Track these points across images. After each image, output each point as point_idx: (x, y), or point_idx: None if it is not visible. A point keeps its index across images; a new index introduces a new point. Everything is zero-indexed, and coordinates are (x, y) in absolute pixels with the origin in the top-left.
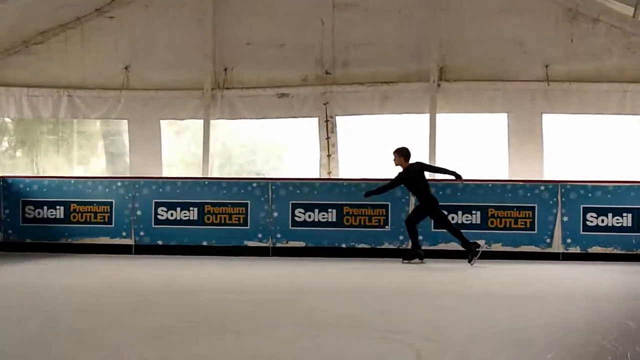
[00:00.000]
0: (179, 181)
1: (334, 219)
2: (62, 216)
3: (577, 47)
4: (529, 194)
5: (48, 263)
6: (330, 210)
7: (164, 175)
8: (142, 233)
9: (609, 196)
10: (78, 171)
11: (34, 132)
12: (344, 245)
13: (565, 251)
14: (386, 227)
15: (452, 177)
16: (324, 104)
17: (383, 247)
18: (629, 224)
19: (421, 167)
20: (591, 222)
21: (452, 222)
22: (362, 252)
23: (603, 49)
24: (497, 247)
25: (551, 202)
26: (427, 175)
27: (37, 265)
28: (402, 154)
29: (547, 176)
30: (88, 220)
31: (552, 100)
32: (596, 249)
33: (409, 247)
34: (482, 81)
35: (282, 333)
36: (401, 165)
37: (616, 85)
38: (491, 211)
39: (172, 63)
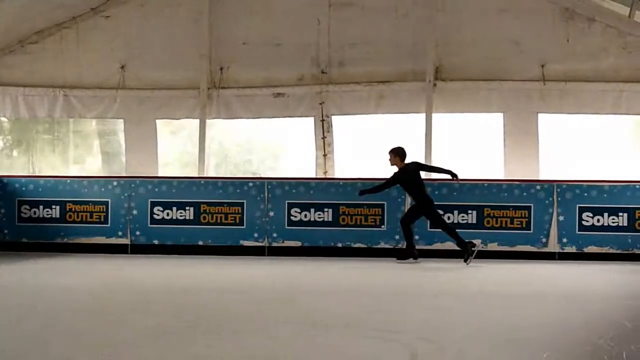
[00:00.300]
0: (175, 181)
1: (330, 219)
2: (58, 216)
3: (573, 47)
4: (524, 194)
5: (44, 263)
6: (326, 209)
7: (159, 174)
8: (138, 232)
9: (605, 196)
10: (74, 171)
11: (29, 131)
12: (340, 245)
13: (561, 251)
14: (382, 226)
15: (448, 176)
16: (320, 104)
17: (379, 246)
18: (625, 224)
19: (417, 166)
20: (587, 221)
21: (448, 221)
22: (358, 252)
23: (599, 48)
24: (493, 246)
25: (547, 201)
26: (424, 174)
27: (33, 265)
28: (397, 153)
29: (543, 176)
30: (84, 219)
31: (548, 99)
32: (592, 249)
33: (405, 246)
34: (478, 81)
35: (280, 333)
36: (397, 165)
37: (612, 85)
38: (487, 211)
39: (168, 62)
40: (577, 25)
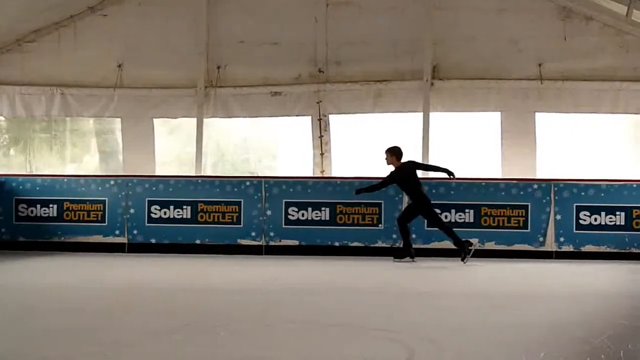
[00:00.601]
0: (172, 180)
1: (327, 218)
2: (55, 214)
3: (570, 46)
4: (522, 193)
5: (41, 261)
6: (323, 208)
7: (157, 173)
8: (135, 231)
9: (602, 195)
10: (71, 169)
11: (27, 130)
12: (337, 244)
13: (558, 250)
14: (380, 225)
15: (445, 175)
16: (317, 102)
17: (376, 245)
18: (622, 223)
19: (413, 165)
20: (584, 220)
21: (445, 220)
22: (355, 251)
23: (596, 47)
24: (490, 245)
25: (544, 200)
26: (421, 173)
27: (30, 264)
28: (394, 153)
29: (541, 175)
30: (81, 218)
31: (545, 98)
32: (589, 248)
33: (402, 245)
34: (476, 80)
35: (278, 332)
36: (393, 165)
37: (609, 84)
38: (484, 210)
39: (165, 61)
40: (575, 24)
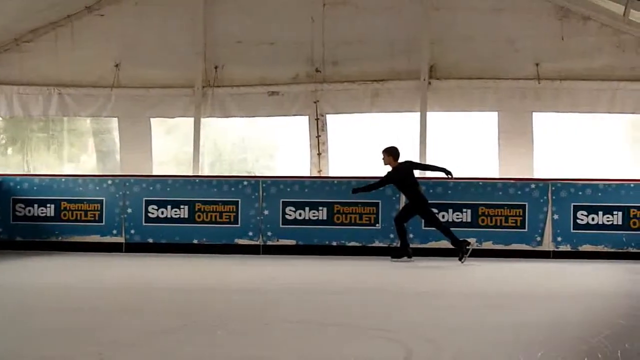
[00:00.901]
0: (170, 179)
1: (325, 217)
2: (52, 214)
3: (567, 46)
4: (519, 192)
5: (39, 261)
6: (320, 208)
7: (154, 173)
8: (132, 231)
9: (599, 194)
10: (68, 169)
11: (24, 130)
12: (334, 244)
13: (555, 249)
14: (377, 225)
15: (442, 174)
16: (315, 102)
17: (374, 245)
18: (619, 222)
19: (410, 165)
20: (581, 220)
21: (443, 220)
22: (352, 250)
23: (594, 47)
24: (487, 245)
25: (542, 200)
26: (419, 173)
27: (28, 264)
28: (390, 153)
29: (538, 174)
30: (79, 218)
31: (542, 98)
32: (586, 247)
33: (399, 245)
34: (473, 79)
35: (275, 332)
36: (390, 165)
37: (607, 84)
38: (482, 209)
39: (163, 61)
40: (572, 23)
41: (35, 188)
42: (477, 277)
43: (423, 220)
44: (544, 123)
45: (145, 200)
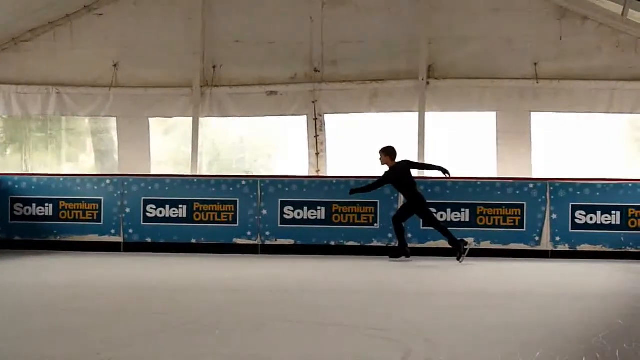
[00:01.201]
0: (168, 179)
1: (323, 217)
2: (50, 214)
3: (566, 45)
4: (517, 192)
5: (37, 261)
6: (319, 208)
7: (152, 173)
8: (131, 230)
9: (598, 194)
10: (67, 169)
11: (23, 129)
12: (333, 243)
13: (554, 249)
14: (375, 224)
15: (440, 173)
16: (313, 102)
17: (372, 244)
18: (618, 222)
19: (408, 165)
20: (580, 220)
21: (441, 220)
22: (351, 250)
23: (592, 47)
24: (486, 244)
25: (540, 200)
26: (417, 172)
27: (26, 263)
28: (388, 153)
29: (536, 174)
30: (77, 217)
31: (541, 98)
32: (585, 247)
33: (397, 245)
34: (471, 79)
35: (273, 332)
36: (387, 164)
37: (605, 84)
38: (480, 209)
39: (161, 61)
40: (570, 23)
41: (33, 187)
42: (476, 276)
43: (421, 220)
44: (543, 123)
45: (144, 199)
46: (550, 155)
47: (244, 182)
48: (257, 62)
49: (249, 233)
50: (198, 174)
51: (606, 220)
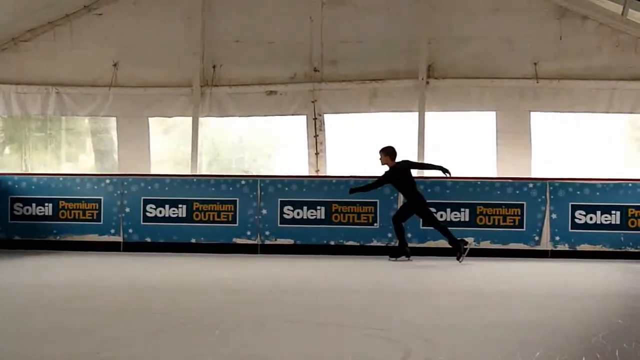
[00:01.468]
0: (168, 178)
1: (323, 217)
2: (50, 213)
3: (566, 45)
4: (517, 192)
5: (36, 260)
6: (319, 207)
7: (152, 172)
8: (130, 230)
9: (597, 194)
10: (66, 168)
11: (22, 129)
12: (332, 243)
13: (553, 249)
14: (375, 224)
15: (440, 172)
16: (313, 102)
17: (372, 244)
18: (617, 222)
19: (408, 165)
20: (580, 219)
21: (441, 219)
22: (350, 250)
23: (592, 46)
24: (485, 244)
25: (540, 199)
26: (416, 172)
27: (26, 263)
28: (387, 152)
29: (536, 174)
30: (76, 217)
31: (540, 98)
32: (584, 247)
33: (397, 245)
34: (471, 79)
35: (272, 331)
36: (387, 164)
37: (605, 83)
38: (480, 209)
39: (161, 60)
40: (570, 23)
41: (33, 187)
42: (475, 276)
43: (421, 220)
44: (542, 122)
45: (144, 199)
46: (550, 155)
47: (243, 182)
48: (257, 62)
49: (248, 233)
50: (198, 173)
51: (606, 220)
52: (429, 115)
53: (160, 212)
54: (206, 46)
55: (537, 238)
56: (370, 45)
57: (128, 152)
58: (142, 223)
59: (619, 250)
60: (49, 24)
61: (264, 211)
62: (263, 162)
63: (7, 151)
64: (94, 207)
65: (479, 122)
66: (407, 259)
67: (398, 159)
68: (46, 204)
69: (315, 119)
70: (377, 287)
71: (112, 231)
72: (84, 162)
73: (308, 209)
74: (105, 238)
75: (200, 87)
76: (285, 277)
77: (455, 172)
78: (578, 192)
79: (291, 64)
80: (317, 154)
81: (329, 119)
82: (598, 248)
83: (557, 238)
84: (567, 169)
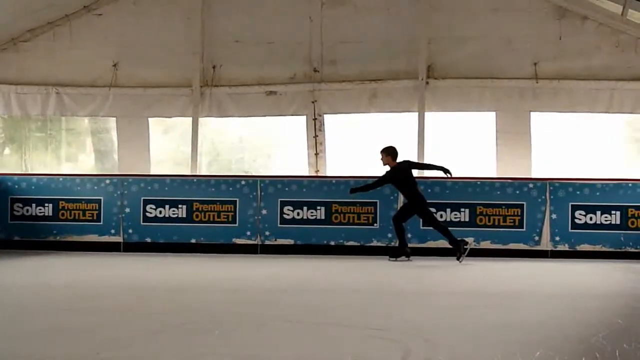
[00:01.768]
0: (168, 179)
1: (323, 217)
2: (50, 214)
3: (565, 45)
4: (517, 192)
5: (36, 261)
6: (319, 207)
7: (152, 172)
8: (130, 230)
9: (597, 194)
10: (66, 169)
11: (22, 129)
12: (332, 243)
13: (553, 249)
14: (375, 224)
15: (442, 173)
16: (312, 102)
17: (372, 244)
18: (617, 222)
19: (409, 165)
20: (579, 219)
21: (441, 220)
22: (350, 250)
23: (592, 46)
24: (485, 244)
25: (540, 199)
26: (416, 172)
27: (26, 263)
28: (389, 153)
29: (536, 174)
30: (76, 217)
31: (540, 98)
32: (584, 247)
33: (397, 245)
34: (471, 79)
35: (272, 331)
36: (389, 164)
37: (604, 83)
38: (480, 209)
39: (161, 60)
40: (570, 23)
41: (33, 187)
42: (475, 276)
43: (421, 220)
44: (542, 123)
45: (144, 199)
46: (549, 155)
47: (243, 182)
48: (257, 62)
49: (248, 233)
50: (197, 173)
51: (606, 220)
52: (429, 116)
53: (160, 212)
54: (206, 46)
55: (537, 238)
56: (370, 46)
57: (128, 152)
58: (142, 223)
59: (619, 250)
60: (48, 24)
61: (264, 211)
62: (263, 162)
63: (7, 151)
64: (94, 208)
65: (478, 123)
66: (407, 259)
67: (399, 159)
68: (46, 205)
69: (315, 119)
70: (377, 287)
71: (112, 231)
72: (84, 163)
73: (308, 209)
74: (105, 238)
75: (200, 87)
76: (285, 277)
77: (455, 173)
78: (578, 192)
79: (291, 64)
80: (316, 154)
81: (329, 119)
82: (598, 248)
83: (557, 238)
84: (567, 169)
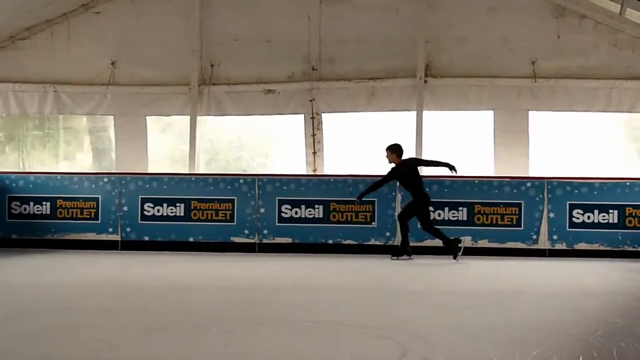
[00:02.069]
0: (166, 177)
1: (321, 215)
2: (48, 212)
3: (564, 44)
4: (515, 191)
5: (34, 259)
6: (316, 206)
7: (150, 171)
8: (128, 229)
9: (595, 193)
10: (64, 167)
11: (20, 128)
12: (330, 242)
13: (551, 248)
14: (373, 223)
15: (447, 169)
16: (310, 101)
17: (370, 243)
18: (615, 221)
19: (415, 162)
20: (577, 218)
21: (439, 218)
22: (348, 249)
23: (590, 45)
24: (483, 243)
25: (537, 198)
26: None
27: (23, 261)
28: (394, 150)
29: (534, 173)
30: (74, 216)
31: (538, 97)
32: (582, 246)
33: (396, 243)
34: (469, 77)
35: (271, 330)
36: (394, 162)
37: (603, 82)
38: (478, 207)
39: (159, 59)
40: (568, 22)
41: (31, 186)
42: (473, 275)
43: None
44: (540, 121)
45: (141, 198)
46: (547, 154)
47: (241, 181)
48: (255, 61)
49: (246, 231)
50: (195, 172)
51: (603, 219)
52: (427, 114)
53: (158, 210)
54: (204, 45)
55: (534, 237)
56: (368, 44)
57: (126, 150)
58: (139, 222)
59: (616, 249)
60: (46, 23)
61: (262, 210)
62: (261, 160)
63: (5, 150)
64: (91, 206)
65: (476, 121)
66: (408, 257)
67: (404, 157)
68: (44, 203)
69: (313, 117)
70: (374, 286)
71: (110, 230)
72: (82, 161)
73: (306, 208)
74: (103, 237)
75: (198, 86)
76: (283, 276)
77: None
78: (576, 191)
79: (289, 63)
80: (314, 153)
81: (327, 118)
82: (595, 247)
83: (555, 237)
84: (565, 168)
